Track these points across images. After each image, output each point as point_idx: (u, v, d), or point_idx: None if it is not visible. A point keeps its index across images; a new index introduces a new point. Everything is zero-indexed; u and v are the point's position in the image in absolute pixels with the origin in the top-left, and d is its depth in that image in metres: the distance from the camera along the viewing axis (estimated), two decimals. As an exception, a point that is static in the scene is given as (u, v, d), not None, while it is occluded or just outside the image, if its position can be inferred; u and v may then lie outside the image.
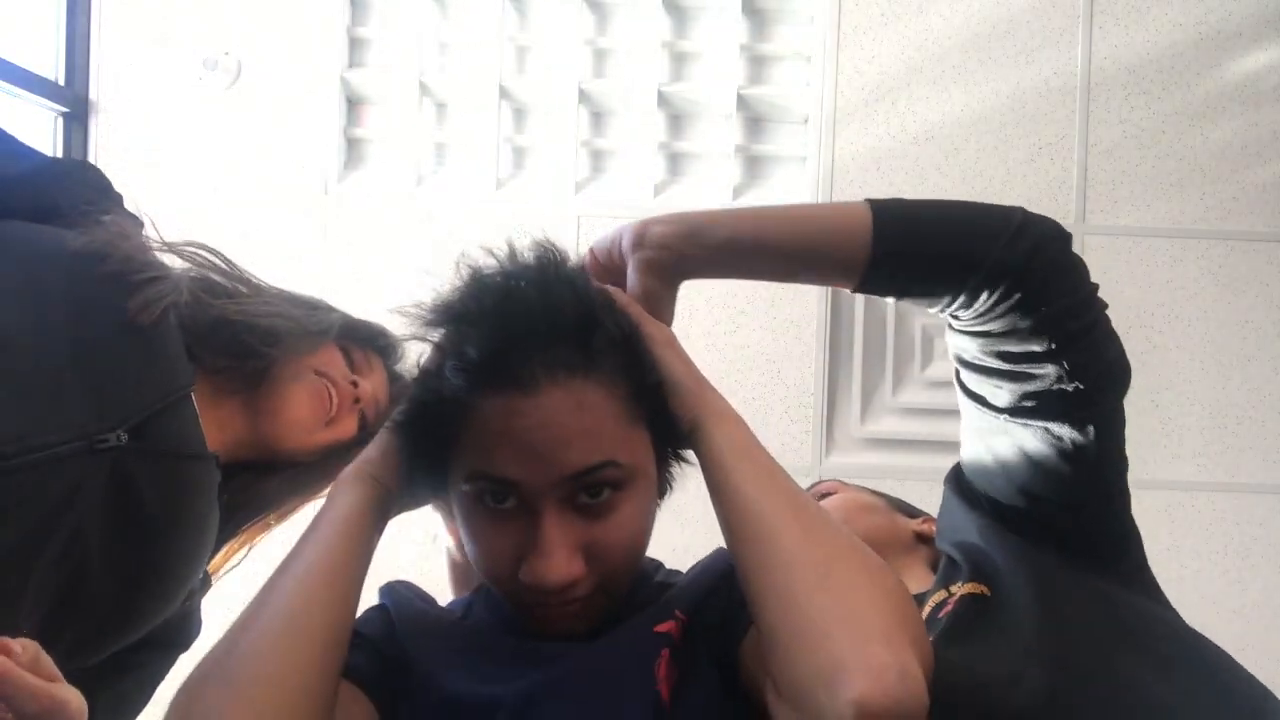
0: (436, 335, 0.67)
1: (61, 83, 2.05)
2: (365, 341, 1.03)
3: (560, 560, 0.61)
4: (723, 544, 0.64)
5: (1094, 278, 0.70)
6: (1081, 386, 0.69)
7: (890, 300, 0.77)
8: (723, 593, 0.68)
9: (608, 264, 0.75)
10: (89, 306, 0.75)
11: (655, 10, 2.02)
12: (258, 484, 0.94)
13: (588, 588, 0.64)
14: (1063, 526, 0.73)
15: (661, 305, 0.73)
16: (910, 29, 2.01)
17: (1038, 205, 0.71)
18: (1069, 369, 0.68)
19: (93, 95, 2.07)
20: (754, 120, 2.06)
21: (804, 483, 0.84)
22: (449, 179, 2.07)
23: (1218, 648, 0.69)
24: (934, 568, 0.93)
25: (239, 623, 0.59)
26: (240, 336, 0.86)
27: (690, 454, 0.70)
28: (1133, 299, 1.96)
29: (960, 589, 0.75)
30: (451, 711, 0.63)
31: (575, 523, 0.62)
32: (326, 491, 1.03)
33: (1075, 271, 0.70)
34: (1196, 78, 1.97)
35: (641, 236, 0.71)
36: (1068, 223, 1.97)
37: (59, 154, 2.04)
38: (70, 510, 0.71)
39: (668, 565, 0.80)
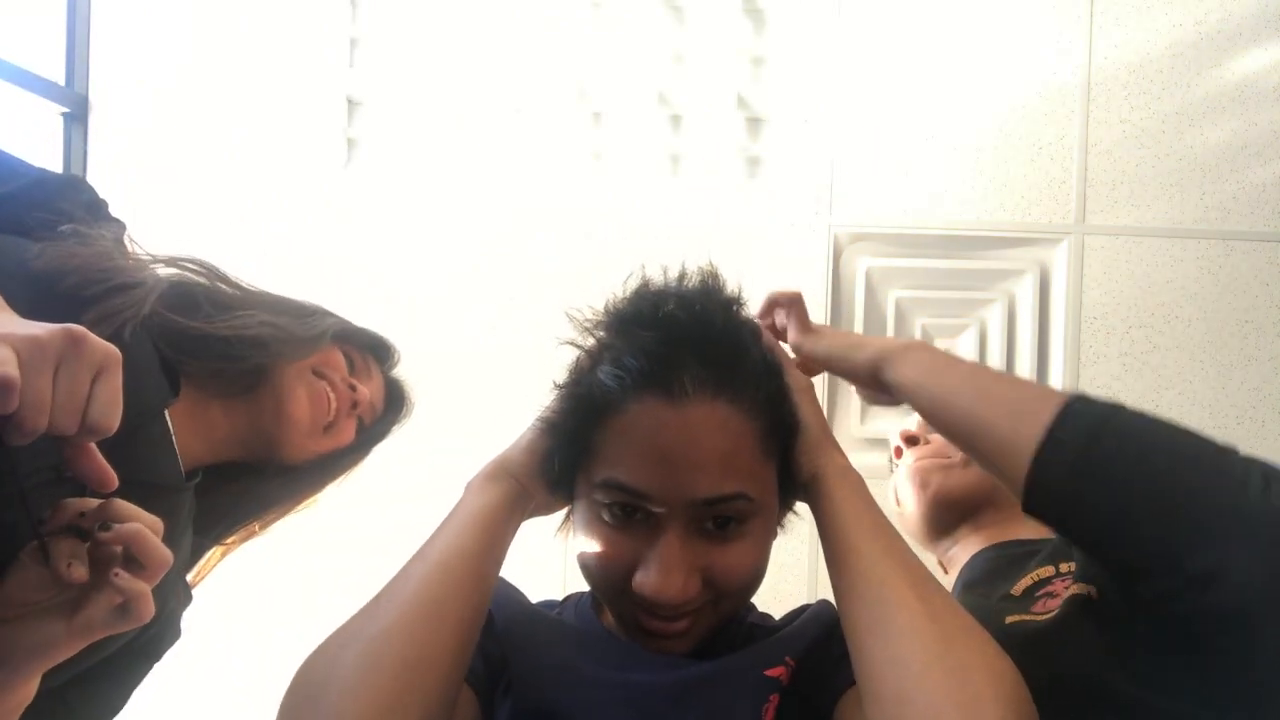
0: (592, 342, 0.69)
1: (62, 83, 2.05)
2: (364, 346, 1.02)
3: (678, 579, 0.61)
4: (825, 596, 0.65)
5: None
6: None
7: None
8: (823, 644, 0.68)
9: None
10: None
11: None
12: (249, 488, 0.91)
13: (697, 606, 0.64)
14: None
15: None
16: (910, 28, 2.01)
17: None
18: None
19: (92, 95, 2.07)
20: (754, 121, 2.05)
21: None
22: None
23: None
24: None
25: (376, 603, 0.59)
26: (228, 350, 0.83)
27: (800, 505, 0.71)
28: (1133, 299, 1.95)
29: (1068, 587, 0.70)
30: (551, 710, 0.63)
31: (697, 545, 0.63)
32: (308, 501, 1.01)
33: None
34: (1196, 78, 1.97)
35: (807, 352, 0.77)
36: (1067, 223, 1.99)
37: (59, 154, 2.04)
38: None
39: None
